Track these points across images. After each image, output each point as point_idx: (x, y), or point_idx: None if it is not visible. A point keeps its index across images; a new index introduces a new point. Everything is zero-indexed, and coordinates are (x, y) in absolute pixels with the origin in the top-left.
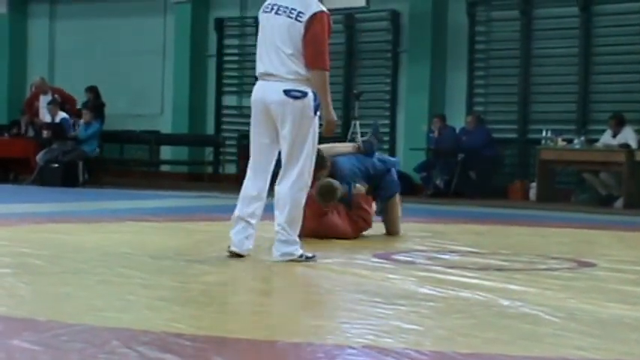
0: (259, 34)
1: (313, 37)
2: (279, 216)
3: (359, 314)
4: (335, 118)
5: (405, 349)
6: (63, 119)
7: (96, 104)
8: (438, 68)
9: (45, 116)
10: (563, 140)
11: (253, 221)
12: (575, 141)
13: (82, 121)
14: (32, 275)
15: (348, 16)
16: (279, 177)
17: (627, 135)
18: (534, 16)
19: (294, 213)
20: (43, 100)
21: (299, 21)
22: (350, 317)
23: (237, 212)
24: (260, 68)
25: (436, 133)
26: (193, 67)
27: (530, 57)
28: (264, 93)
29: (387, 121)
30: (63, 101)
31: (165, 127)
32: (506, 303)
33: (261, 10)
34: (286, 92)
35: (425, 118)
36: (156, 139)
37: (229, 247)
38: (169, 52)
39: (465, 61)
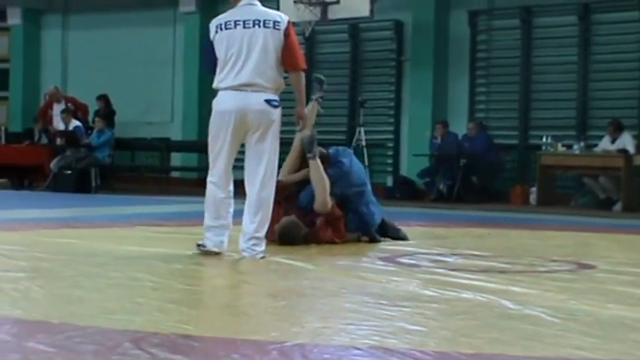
0: (221, 50)
1: (292, 43)
2: (260, 214)
3: (364, 316)
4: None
5: (410, 350)
6: (76, 127)
7: (107, 112)
8: (441, 76)
9: (58, 124)
10: (563, 146)
11: (227, 222)
12: (575, 146)
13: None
14: (46, 279)
15: (353, 26)
16: (258, 182)
17: (625, 140)
18: (534, 25)
19: (269, 213)
20: (57, 109)
21: (277, 29)
22: (355, 319)
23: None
24: (235, 80)
25: (439, 140)
26: (202, 76)
27: (531, 65)
28: (245, 102)
29: (390, 128)
30: (76, 109)
31: (176, 135)
32: (508, 304)
33: (216, 28)
34: (267, 101)
35: (428, 124)
36: (166, 146)
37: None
38: (179, 61)
39: (467, 69)
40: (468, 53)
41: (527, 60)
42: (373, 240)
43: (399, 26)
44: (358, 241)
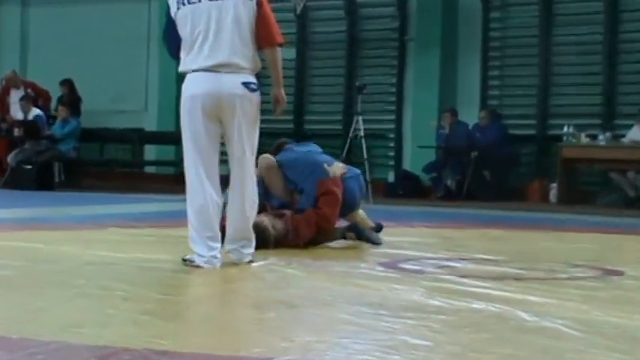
0: (186, 28)
1: (266, 13)
2: (245, 212)
3: (362, 328)
4: (285, 96)
5: None
6: (36, 116)
7: (71, 99)
8: (449, 58)
9: (16, 113)
10: (587, 136)
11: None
12: (600, 137)
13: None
14: (2, 288)
15: (350, 2)
16: (236, 176)
17: None
18: (555, 0)
19: (256, 208)
20: (15, 96)
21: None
22: (352, 332)
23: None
24: (208, 61)
25: (447, 130)
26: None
27: (550, 45)
28: (218, 85)
29: (392, 117)
30: (36, 96)
31: (150, 125)
32: (524, 315)
33: (178, 3)
34: (245, 84)
35: (434, 113)
36: (139, 137)
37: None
38: (154, 41)
39: (479, 50)
40: (479, 32)
41: (547, 39)
42: (360, 236)
43: (402, 2)
44: (343, 238)
